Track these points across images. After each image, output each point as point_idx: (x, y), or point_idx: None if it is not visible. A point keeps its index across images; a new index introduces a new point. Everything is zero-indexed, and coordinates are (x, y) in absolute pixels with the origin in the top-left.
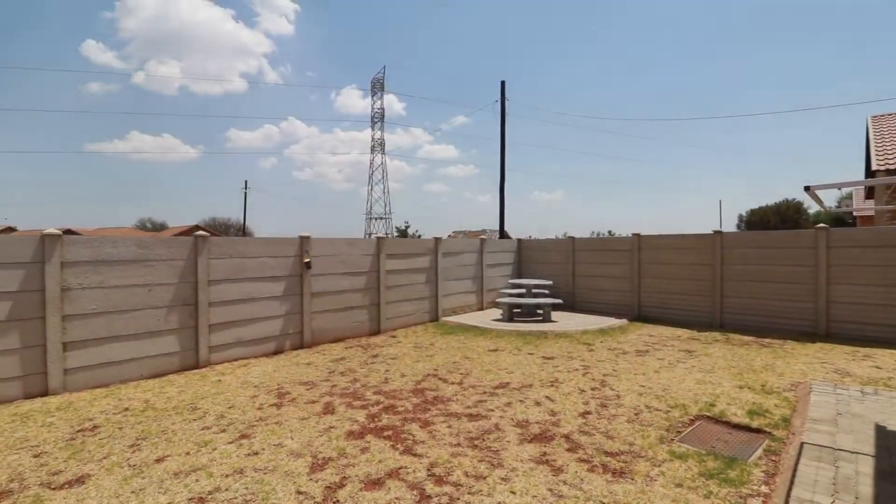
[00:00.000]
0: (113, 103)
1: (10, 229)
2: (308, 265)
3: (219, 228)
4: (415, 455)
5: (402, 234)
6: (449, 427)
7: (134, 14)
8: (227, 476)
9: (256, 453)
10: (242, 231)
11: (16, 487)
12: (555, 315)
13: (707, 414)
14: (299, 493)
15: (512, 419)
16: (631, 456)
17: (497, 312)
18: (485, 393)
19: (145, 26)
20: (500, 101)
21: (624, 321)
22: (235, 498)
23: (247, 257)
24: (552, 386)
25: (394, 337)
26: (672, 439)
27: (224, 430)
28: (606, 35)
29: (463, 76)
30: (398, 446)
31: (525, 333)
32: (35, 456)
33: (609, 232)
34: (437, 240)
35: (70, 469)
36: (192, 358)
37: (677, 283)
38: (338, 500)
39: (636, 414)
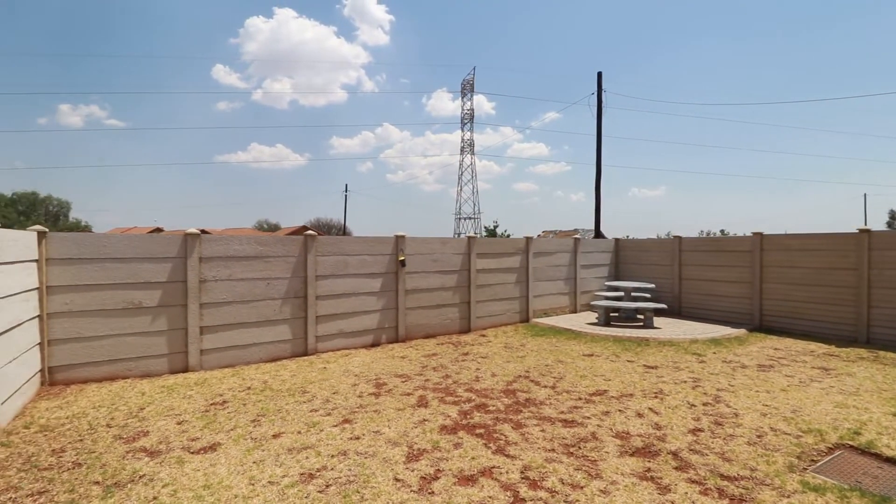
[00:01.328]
0: (236, 119)
1: (159, 229)
2: (403, 263)
3: (322, 228)
4: (507, 456)
5: (491, 233)
6: (542, 431)
7: (254, 38)
8: (332, 456)
9: (357, 438)
10: (343, 231)
11: (163, 449)
12: (658, 321)
13: (850, 443)
14: (396, 479)
15: (610, 429)
16: (752, 482)
17: (592, 316)
18: (580, 399)
19: (263, 48)
20: (596, 94)
21: (742, 331)
22: (340, 478)
23: (348, 255)
24: (656, 397)
25: (483, 336)
26: (804, 468)
27: (329, 414)
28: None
29: (555, 72)
30: (490, 445)
31: (623, 339)
32: (178, 423)
33: (722, 231)
34: (529, 239)
35: (205, 437)
36: (301, 346)
37: (809, 290)
38: (432, 492)
39: (758, 436)
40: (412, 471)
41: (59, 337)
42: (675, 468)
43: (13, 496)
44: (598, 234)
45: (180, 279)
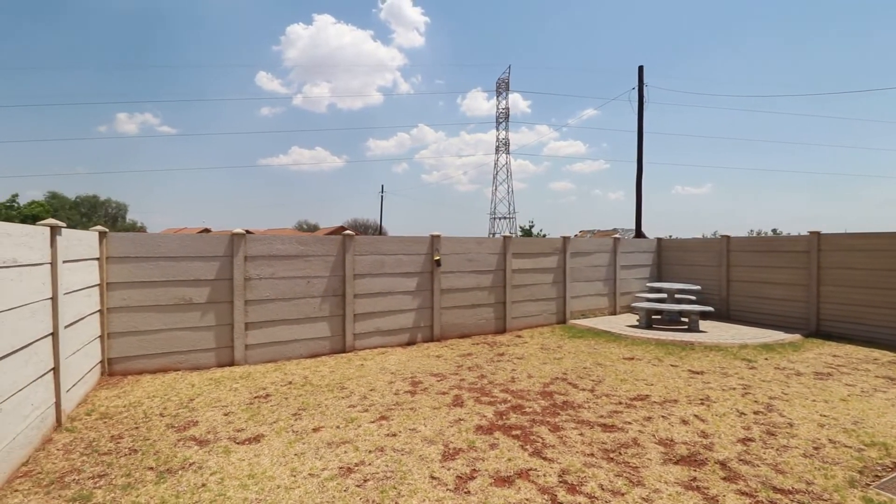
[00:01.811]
0: (278, 123)
1: (207, 230)
2: (438, 262)
3: (359, 229)
4: (544, 458)
5: (527, 233)
6: (581, 435)
7: (294, 45)
8: (370, 452)
9: (394, 435)
10: (379, 231)
11: (211, 438)
12: (703, 324)
13: None
14: (433, 478)
15: (653, 435)
16: (809, 497)
17: (632, 318)
18: (620, 403)
19: (303, 54)
20: (637, 88)
21: (796, 336)
22: (377, 473)
23: (385, 254)
24: (702, 404)
25: (519, 337)
26: (867, 484)
27: (367, 410)
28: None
29: (593, 67)
30: (527, 447)
31: (666, 343)
32: (225, 414)
33: (773, 231)
34: (566, 239)
35: (249, 428)
36: (339, 343)
37: (872, 293)
38: (469, 491)
39: (815, 448)
40: (448, 469)
41: (117, 330)
42: (723, 479)
43: (76, 477)
44: (638, 233)
45: (227, 277)
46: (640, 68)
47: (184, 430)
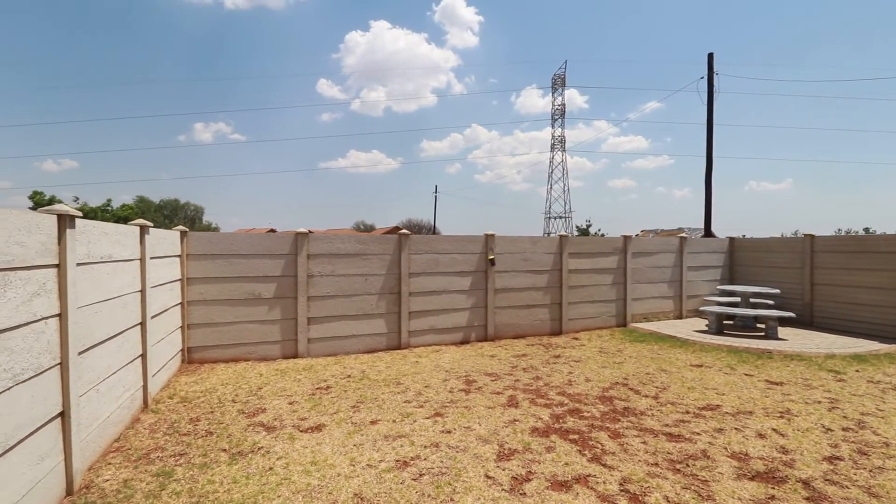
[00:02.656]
0: (337, 128)
1: (272, 230)
2: (492, 262)
3: (413, 228)
4: (604, 465)
5: (584, 233)
6: (643, 443)
7: (352, 52)
8: (425, 447)
9: (449, 432)
10: (433, 231)
11: (277, 425)
12: (783, 331)
13: None
14: (488, 477)
15: (725, 448)
16: None
17: (700, 323)
18: (687, 413)
19: (360, 61)
20: (706, 77)
21: (894, 346)
22: (432, 468)
23: (439, 253)
24: (781, 417)
25: (576, 339)
26: None
27: (422, 406)
28: None
29: (656, 58)
30: (585, 452)
31: (740, 350)
32: (289, 403)
33: (865, 230)
34: (627, 238)
35: (312, 418)
36: (395, 339)
37: None
38: (524, 493)
39: None
40: (503, 469)
41: (195, 322)
42: (806, 499)
43: (160, 455)
44: (708, 232)
45: (291, 274)
46: (710, 56)
47: (253, 416)
